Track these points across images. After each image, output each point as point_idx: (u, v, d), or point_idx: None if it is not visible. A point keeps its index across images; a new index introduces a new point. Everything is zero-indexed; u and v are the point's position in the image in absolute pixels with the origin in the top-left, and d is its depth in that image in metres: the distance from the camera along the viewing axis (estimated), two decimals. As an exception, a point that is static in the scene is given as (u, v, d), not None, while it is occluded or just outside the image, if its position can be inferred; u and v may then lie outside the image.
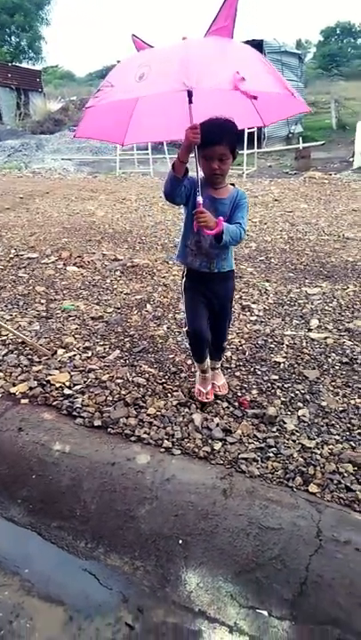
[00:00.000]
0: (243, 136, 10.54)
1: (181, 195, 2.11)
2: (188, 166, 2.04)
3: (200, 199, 2.01)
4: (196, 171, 2.06)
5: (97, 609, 1.70)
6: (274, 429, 2.39)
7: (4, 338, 3.31)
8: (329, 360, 2.99)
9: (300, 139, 15.75)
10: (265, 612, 1.65)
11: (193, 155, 2.00)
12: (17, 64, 27.92)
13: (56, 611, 1.71)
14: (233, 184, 2.26)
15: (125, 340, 3.32)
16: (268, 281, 4.35)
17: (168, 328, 3.47)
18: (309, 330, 3.40)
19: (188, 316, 2.46)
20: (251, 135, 11.13)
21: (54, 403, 2.64)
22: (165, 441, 2.32)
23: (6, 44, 33.71)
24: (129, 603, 1.71)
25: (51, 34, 79.71)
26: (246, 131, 10.53)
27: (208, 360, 2.58)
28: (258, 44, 15.54)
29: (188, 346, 2.60)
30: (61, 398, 2.67)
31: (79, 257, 5.11)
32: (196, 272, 2.33)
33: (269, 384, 2.74)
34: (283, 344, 3.18)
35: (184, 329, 2.59)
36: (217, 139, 1.97)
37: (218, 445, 2.29)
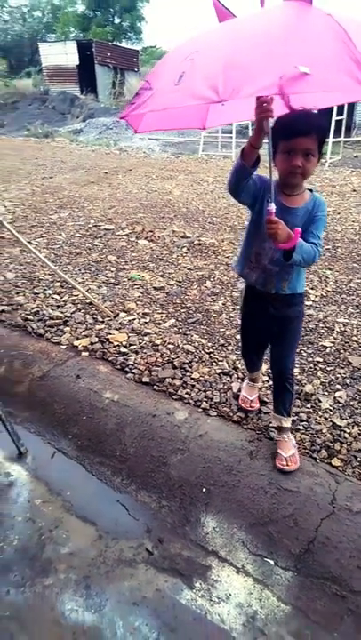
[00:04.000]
0: (330, 124, 10.23)
1: (248, 191, 1.75)
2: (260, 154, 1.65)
3: (272, 206, 1.60)
4: (270, 174, 1.62)
5: (123, 534, 1.94)
6: (308, 405, 2.49)
7: (75, 297, 3.64)
8: (378, 350, 3.00)
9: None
10: (271, 561, 1.81)
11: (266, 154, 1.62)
12: (117, 43, 28.52)
13: (89, 529, 1.97)
14: (311, 190, 1.83)
15: (182, 310, 3.52)
16: (330, 269, 4.34)
17: (223, 304, 3.62)
18: (364, 320, 3.40)
19: (242, 341, 2.38)
20: (338, 123, 10.73)
21: (110, 358, 2.91)
22: (204, 402, 2.51)
23: (109, 24, 34.52)
24: (151, 533, 1.93)
25: (150, 13, 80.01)
26: (334, 118, 10.20)
27: (261, 369, 2.50)
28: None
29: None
30: (117, 355, 2.93)
31: (151, 232, 5.36)
32: (253, 289, 2.02)
33: (312, 365, 2.83)
34: (333, 330, 3.22)
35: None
36: (305, 129, 1.61)
37: (252, 413, 2.43)
